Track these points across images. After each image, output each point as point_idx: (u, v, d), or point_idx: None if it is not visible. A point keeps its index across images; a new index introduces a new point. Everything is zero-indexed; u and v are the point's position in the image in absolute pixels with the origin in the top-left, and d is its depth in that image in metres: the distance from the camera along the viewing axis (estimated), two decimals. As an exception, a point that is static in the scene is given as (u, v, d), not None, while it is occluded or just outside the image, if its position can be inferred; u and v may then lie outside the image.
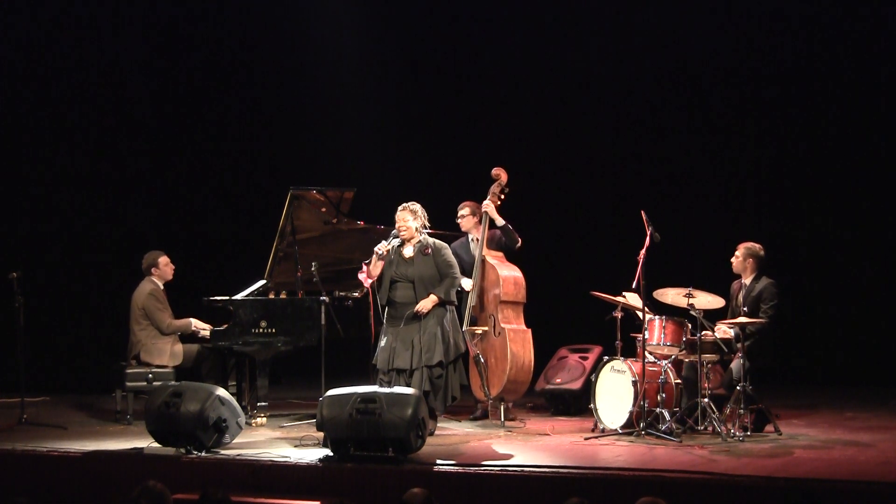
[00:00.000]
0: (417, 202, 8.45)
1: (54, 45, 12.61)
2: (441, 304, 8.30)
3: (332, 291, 9.45)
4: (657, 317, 8.37)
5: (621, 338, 8.66)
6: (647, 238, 8.36)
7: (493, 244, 9.25)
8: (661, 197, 11.54)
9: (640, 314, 8.41)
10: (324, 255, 9.58)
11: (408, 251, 8.39)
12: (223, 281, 10.17)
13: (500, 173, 9.24)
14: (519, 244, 9.26)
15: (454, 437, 8.40)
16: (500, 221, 9.21)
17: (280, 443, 8.05)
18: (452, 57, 12.81)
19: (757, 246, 8.69)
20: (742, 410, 8.04)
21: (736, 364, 8.28)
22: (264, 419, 9.01)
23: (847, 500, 6.14)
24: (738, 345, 8.19)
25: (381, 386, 7.92)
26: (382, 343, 8.33)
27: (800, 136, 11.93)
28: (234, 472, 7.27)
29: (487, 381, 8.94)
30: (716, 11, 11.88)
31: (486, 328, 9.05)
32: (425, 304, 8.25)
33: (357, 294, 9.43)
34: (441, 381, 8.21)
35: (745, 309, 8.39)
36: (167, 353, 9.37)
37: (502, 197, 9.21)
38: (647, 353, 8.26)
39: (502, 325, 8.95)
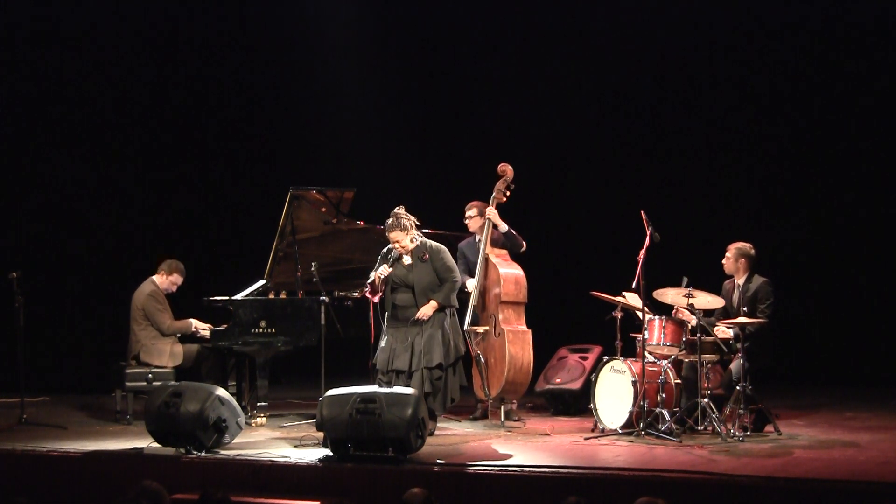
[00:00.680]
0: (402, 206, 8.31)
1: (54, 45, 12.61)
2: (441, 308, 8.30)
3: (332, 291, 9.45)
4: (657, 317, 8.37)
5: (621, 338, 8.66)
6: (647, 238, 8.36)
7: (498, 242, 9.25)
8: (661, 197, 11.54)
9: (639, 314, 8.41)
10: (324, 255, 9.57)
11: (406, 259, 8.38)
12: (223, 281, 10.17)
13: (506, 169, 9.22)
14: (523, 248, 9.27)
15: (454, 437, 8.40)
16: (503, 227, 9.20)
17: (280, 443, 8.05)
18: (452, 57, 12.80)
19: (747, 245, 8.68)
20: (742, 410, 8.04)
21: (735, 364, 8.28)
22: (264, 419, 9.01)
23: (847, 500, 6.14)
24: (738, 345, 8.18)
25: (381, 386, 7.92)
26: (382, 344, 8.33)
27: (800, 135, 11.93)
28: (234, 472, 7.27)
29: (487, 381, 8.95)
30: (716, 12, 11.87)
31: (486, 328, 9.05)
32: (426, 311, 8.23)
33: (357, 294, 9.43)
34: (441, 383, 8.20)
35: (744, 309, 8.39)
36: (167, 354, 9.37)
37: (507, 194, 9.19)
38: (646, 353, 8.26)
39: (502, 326, 8.94)
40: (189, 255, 9.92)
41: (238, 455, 7.49)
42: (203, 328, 9.37)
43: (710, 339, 8.27)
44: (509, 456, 7.45)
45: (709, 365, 8.32)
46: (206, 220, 13.05)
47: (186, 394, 7.61)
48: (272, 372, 9.17)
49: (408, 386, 7.94)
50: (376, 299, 8.38)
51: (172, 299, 9.65)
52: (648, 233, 8.37)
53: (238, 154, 13.24)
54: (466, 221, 9.37)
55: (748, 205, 11.94)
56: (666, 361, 8.39)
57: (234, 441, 7.74)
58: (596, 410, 8.54)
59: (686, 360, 8.45)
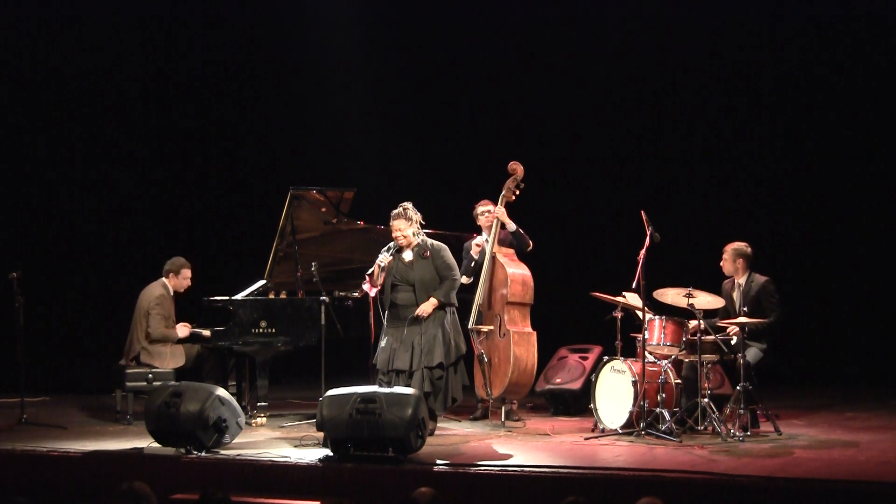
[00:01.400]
0: (410, 202, 8.37)
1: (54, 45, 12.61)
2: (441, 306, 8.30)
3: (332, 291, 9.45)
4: (657, 317, 8.37)
5: (621, 338, 8.66)
6: (647, 238, 8.36)
7: (506, 242, 9.23)
8: (661, 197, 11.54)
9: (640, 314, 8.41)
10: (324, 255, 9.57)
11: (407, 255, 8.37)
12: (223, 281, 10.16)
13: (517, 168, 9.18)
14: (531, 247, 9.25)
15: (454, 437, 8.40)
16: (511, 226, 9.17)
17: (280, 443, 8.05)
18: (453, 56, 12.80)
19: (743, 244, 8.69)
20: (742, 411, 8.04)
21: (753, 353, 8.33)
22: (264, 419, 9.01)
23: (847, 500, 6.14)
24: (755, 343, 8.33)
25: (381, 386, 7.92)
26: (383, 343, 8.32)
27: (799, 135, 11.93)
28: (234, 472, 7.27)
29: (490, 381, 8.94)
30: (715, 12, 11.87)
31: (491, 327, 9.02)
32: (426, 308, 8.23)
33: (357, 294, 9.42)
34: (441, 383, 8.20)
35: (745, 309, 8.39)
36: (167, 356, 9.37)
37: (517, 192, 9.15)
38: (647, 353, 8.26)
39: (507, 327, 8.91)
40: (189, 255, 9.90)
41: (238, 455, 7.48)
42: (186, 334, 9.36)
43: (710, 338, 8.28)
44: (509, 456, 7.45)
45: (709, 365, 8.32)
46: (206, 220, 13.05)
47: (186, 394, 7.61)
48: (272, 372, 9.17)
49: (408, 386, 7.94)
50: (373, 292, 8.36)
51: (173, 299, 9.65)
52: (649, 233, 8.37)
53: (238, 154, 13.24)
54: (482, 217, 9.30)
55: (748, 205, 11.93)
56: (666, 361, 8.39)
57: (234, 441, 7.74)
58: (596, 410, 8.54)
59: (686, 360, 8.45)
